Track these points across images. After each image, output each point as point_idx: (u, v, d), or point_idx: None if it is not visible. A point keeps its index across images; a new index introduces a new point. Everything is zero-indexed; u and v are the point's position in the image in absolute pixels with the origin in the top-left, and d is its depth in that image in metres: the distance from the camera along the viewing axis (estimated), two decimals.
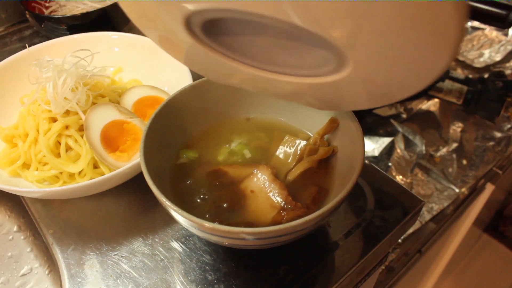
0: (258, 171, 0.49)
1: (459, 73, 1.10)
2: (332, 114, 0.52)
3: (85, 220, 0.57)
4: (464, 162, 0.91)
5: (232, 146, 0.55)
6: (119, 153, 0.58)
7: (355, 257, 0.51)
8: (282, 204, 0.47)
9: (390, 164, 0.89)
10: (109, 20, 0.84)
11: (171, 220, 0.56)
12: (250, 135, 0.57)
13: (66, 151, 0.60)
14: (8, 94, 0.69)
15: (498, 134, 0.95)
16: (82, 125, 0.59)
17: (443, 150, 0.92)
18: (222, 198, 0.48)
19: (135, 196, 0.59)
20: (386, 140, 0.93)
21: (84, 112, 0.60)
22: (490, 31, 1.22)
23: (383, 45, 0.28)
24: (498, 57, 1.15)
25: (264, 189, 0.48)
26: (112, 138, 0.59)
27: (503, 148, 0.93)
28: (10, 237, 0.62)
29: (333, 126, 0.52)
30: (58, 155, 0.60)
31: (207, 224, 0.38)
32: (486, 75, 1.02)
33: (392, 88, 0.34)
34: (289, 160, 0.52)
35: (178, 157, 0.53)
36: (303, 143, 0.53)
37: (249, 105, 0.58)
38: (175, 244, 0.53)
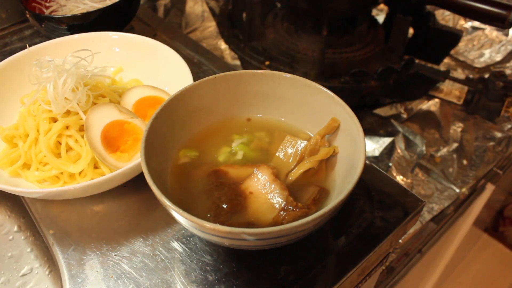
0: (259, 171, 0.49)
1: (460, 73, 1.10)
2: (333, 114, 0.52)
3: (85, 221, 0.57)
4: (465, 162, 0.90)
5: (233, 146, 0.55)
6: (120, 154, 0.58)
7: (356, 258, 0.51)
8: (282, 205, 0.47)
9: (390, 164, 0.89)
10: (109, 20, 0.83)
11: (172, 221, 0.56)
12: (250, 135, 0.56)
13: (67, 151, 0.60)
14: (8, 94, 0.69)
15: (499, 134, 0.95)
16: (83, 125, 0.59)
17: (444, 150, 0.92)
18: (222, 199, 0.48)
19: (136, 196, 0.59)
20: (387, 140, 0.93)
21: (85, 112, 0.60)
22: (491, 31, 1.22)
23: None
24: (498, 57, 1.15)
25: (264, 189, 0.48)
26: (112, 139, 0.58)
27: (504, 148, 0.93)
28: (10, 237, 0.62)
29: (333, 126, 0.52)
30: (58, 155, 0.60)
31: (208, 224, 0.38)
32: (486, 75, 1.02)
33: None
34: (290, 161, 0.52)
35: (179, 157, 0.53)
36: (304, 143, 0.53)
37: (250, 105, 0.58)
38: (176, 245, 0.53)
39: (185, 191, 0.50)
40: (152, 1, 1.28)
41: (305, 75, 0.77)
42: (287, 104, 0.56)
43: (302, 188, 0.50)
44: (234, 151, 0.55)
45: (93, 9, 0.82)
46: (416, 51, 1.00)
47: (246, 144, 0.55)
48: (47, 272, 0.58)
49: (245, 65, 1.01)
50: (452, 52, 1.13)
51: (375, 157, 0.90)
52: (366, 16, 0.99)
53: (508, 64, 1.13)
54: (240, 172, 0.51)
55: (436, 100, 1.01)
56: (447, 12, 1.25)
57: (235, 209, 0.47)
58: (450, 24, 1.25)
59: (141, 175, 0.45)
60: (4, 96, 0.68)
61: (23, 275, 0.58)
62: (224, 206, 0.47)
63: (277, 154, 0.53)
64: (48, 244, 0.56)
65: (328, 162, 0.52)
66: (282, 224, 0.40)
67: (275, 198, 0.47)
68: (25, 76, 0.66)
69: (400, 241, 0.78)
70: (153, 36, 0.89)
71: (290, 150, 0.53)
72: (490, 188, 1.01)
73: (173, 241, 0.54)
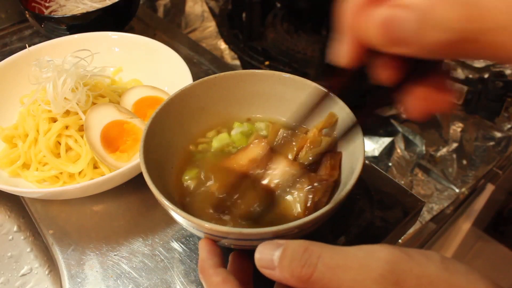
0: (272, 163, 0.48)
1: (459, 73, 1.10)
2: (330, 109, 0.52)
3: (85, 220, 0.57)
4: (464, 162, 0.90)
5: (232, 133, 0.55)
6: (119, 153, 0.58)
7: None
8: (308, 188, 0.45)
9: (390, 164, 0.89)
10: (109, 20, 0.84)
11: (171, 221, 0.56)
12: (251, 126, 0.57)
13: (66, 151, 0.60)
14: (8, 94, 0.69)
15: (498, 134, 0.95)
16: (82, 125, 0.59)
17: (443, 150, 0.92)
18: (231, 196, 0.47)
19: (135, 196, 0.59)
20: (386, 140, 0.93)
21: (84, 112, 0.60)
22: None
23: None
24: None
25: (282, 180, 0.47)
26: (112, 138, 0.59)
27: (503, 148, 0.93)
28: (10, 237, 0.62)
29: (331, 121, 0.52)
30: (58, 155, 0.60)
31: (207, 224, 0.38)
32: (486, 75, 1.02)
33: None
34: (288, 156, 0.52)
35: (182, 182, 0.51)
36: (299, 136, 0.53)
37: (250, 105, 0.58)
38: (175, 245, 0.53)
39: (185, 190, 0.50)
40: (152, 1, 1.28)
41: (305, 75, 0.77)
42: (287, 104, 0.56)
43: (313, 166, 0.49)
44: (231, 140, 0.54)
45: (93, 9, 0.82)
46: None
47: (246, 135, 0.55)
48: (46, 272, 0.58)
49: (245, 65, 1.01)
50: None
51: (374, 157, 0.90)
52: None
53: (507, 64, 1.13)
54: (241, 159, 0.50)
55: None
56: None
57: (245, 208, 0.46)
58: None
59: (140, 175, 0.45)
60: (3, 96, 0.68)
61: (23, 275, 0.58)
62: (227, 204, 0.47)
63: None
64: (47, 244, 0.56)
65: None
66: (314, 209, 0.40)
67: (297, 184, 0.46)
68: (25, 76, 0.66)
69: (399, 241, 0.78)
70: (153, 36, 0.89)
71: (285, 144, 0.53)
72: (490, 188, 1.01)
73: (172, 241, 0.54)
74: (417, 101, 0.31)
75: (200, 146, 0.55)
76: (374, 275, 0.28)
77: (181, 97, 0.53)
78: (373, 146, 0.92)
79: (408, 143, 0.93)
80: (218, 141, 0.54)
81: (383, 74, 0.32)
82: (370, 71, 0.33)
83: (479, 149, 0.93)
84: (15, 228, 0.63)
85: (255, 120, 0.58)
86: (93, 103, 0.62)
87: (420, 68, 0.30)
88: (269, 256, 0.32)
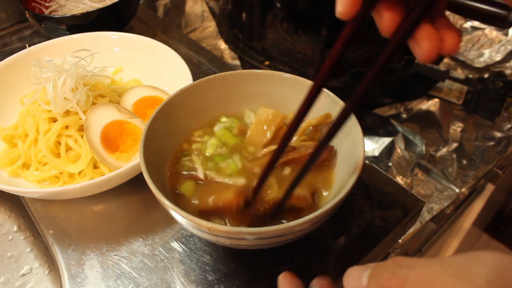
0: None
1: (459, 73, 1.10)
2: (332, 114, 0.52)
3: (85, 220, 0.57)
4: (464, 162, 0.90)
5: (215, 129, 0.55)
6: (119, 153, 0.58)
7: (355, 257, 0.51)
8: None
9: (390, 164, 0.89)
10: (109, 20, 0.84)
11: (171, 220, 0.56)
12: (236, 119, 0.57)
13: (66, 151, 0.60)
14: (8, 94, 0.69)
15: (498, 134, 0.95)
16: (82, 125, 0.59)
17: (443, 150, 0.92)
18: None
19: (135, 196, 0.59)
20: (386, 140, 0.93)
21: (84, 112, 0.60)
22: (490, 31, 1.22)
23: None
24: (498, 57, 1.15)
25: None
26: (112, 138, 0.59)
27: (503, 148, 0.93)
28: (10, 237, 0.62)
29: (325, 121, 0.52)
30: (58, 155, 0.60)
31: (206, 224, 0.38)
32: (486, 75, 1.02)
33: None
34: (266, 134, 0.53)
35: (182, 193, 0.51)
36: (280, 116, 0.54)
37: (251, 105, 0.58)
38: (175, 245, 0.53)
39: (184, 190, 0.50)
40: (152, 1, 1.28)
41: (305, 75, 0.77)
42: (287, 104, 0.56)
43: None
44: (219, 144, 0.55)
45: (93, 9, 0.82)
46: None
47: (228, 129, 0.55)
48: (46, 272, 0.58)
49: (245, 65, 1.01)
50: None
51: (374, 157, 0.90)
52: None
53: (507, 64, 1.13)
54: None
55: (436, 100, 1.01)
56: (447, 12, 1.25)
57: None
58: None
59: (140, 175, 0.45)
60: (3, 96, 0.68)
61: (23, 275, 0.58)
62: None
63: (252, 126, 0.54)
64: (47, 244, 0.56)
65: (329, 162, 0.52)
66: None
67: None
68: (25, 76, 0.66)
69: (399, 241, 0.78)
70: (153, 36, 0.89)
71: (265, 122, 0.53)
72: (490, 188, 1.01)
73: (172, 241, 0.54)
74: (423, 42, 0.30)
75: (196, 145, 0.55)
76: (480, 282, 0.24)
77: (181, 96, 0.53)
78: (373, 146, 0.92)
79: (408, 143, 0.93)
80: (210, 148, 0.54)
81: (384, 19, 0.32)
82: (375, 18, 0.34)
83: (479, 149, 0.93)
84: (15, 228, 0.63)
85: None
86: (93, 103, 0.62)
87: (418, 10, 0.30)
88: (357, 277, 0.29)
